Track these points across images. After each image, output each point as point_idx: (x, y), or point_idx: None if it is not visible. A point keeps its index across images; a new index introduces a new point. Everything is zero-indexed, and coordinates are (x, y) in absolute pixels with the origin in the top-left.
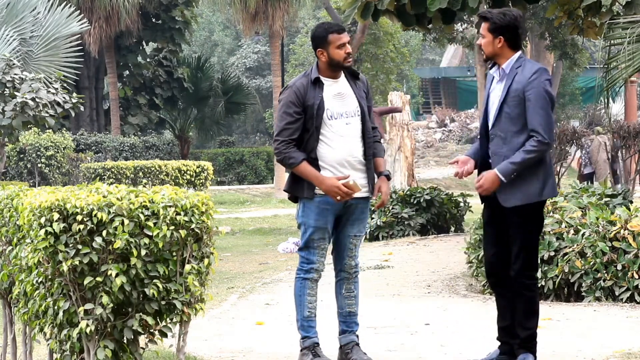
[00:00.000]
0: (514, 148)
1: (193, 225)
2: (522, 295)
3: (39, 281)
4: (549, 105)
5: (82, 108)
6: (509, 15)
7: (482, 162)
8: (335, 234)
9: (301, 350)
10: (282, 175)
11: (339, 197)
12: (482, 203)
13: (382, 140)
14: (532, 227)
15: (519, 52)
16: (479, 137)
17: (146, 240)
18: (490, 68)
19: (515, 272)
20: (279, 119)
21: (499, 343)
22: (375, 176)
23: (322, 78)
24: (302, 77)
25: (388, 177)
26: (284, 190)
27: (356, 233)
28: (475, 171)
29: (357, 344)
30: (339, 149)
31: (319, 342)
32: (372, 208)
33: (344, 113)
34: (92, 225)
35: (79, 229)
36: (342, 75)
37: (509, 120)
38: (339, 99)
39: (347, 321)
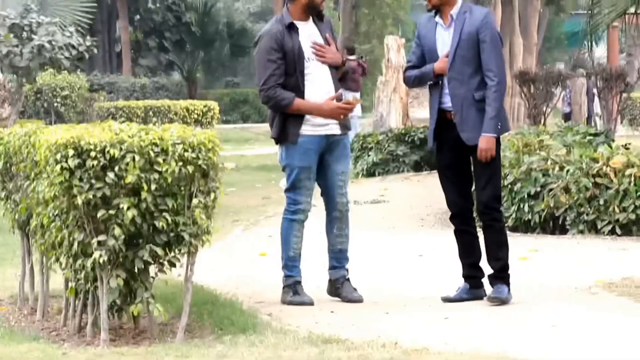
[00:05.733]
0: (471, 88)
1: (200, 162)
2: (491, 227)
3: (55, 214)
4: (500, 46)
5: (95, 51)
6: None
7: (439, 110)
8: (322, 174)
9: (283, 288)
10: None
11: (342, 116)
12: (436, 149)
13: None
14: (495, 160)
15: None
16: (430, 83)
17: (156, 176)
18: (435, 16)
19: (483, 205)
20: (262, 67)
21: (465, 280)
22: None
23: (295, 22)
24: (274, 23)
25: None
26: (271, 137)
27: (342, 169)
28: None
29: (348, 279)
30: (319, 90)
31: (301, 280)
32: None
33: None
34: (105, 161)
35: (93, 165)
36: (310, 18)
37: (464, 62)
38: (311, 40)
39: (338, 257)
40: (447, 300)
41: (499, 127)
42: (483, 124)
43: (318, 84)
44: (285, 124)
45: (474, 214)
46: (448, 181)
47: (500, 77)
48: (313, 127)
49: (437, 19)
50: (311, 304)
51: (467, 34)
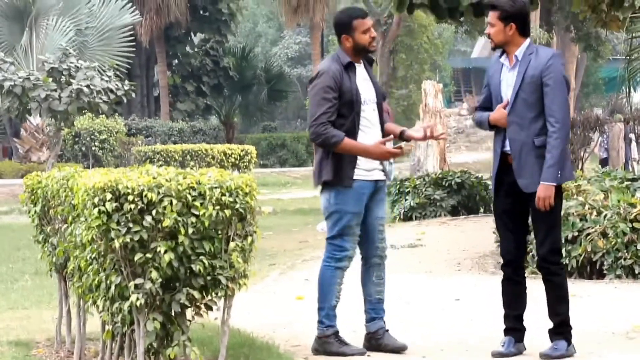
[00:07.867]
0: (532, 134)
1: (237, 206)
2: (550, 281)
3: (92, 257)
4: (565, 90)
5: (133, 95)
6: (518, 3)
7: (501, 153)
8: (364, 220)
9: (322, 338)
10: None
11: (391, 159)
12: (495, 193)
13: None
14: (554, 211)
15: (529, 39)
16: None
17: (193, 219)
18: (500, 56)
19: (542, 257)
20: (317, 104)
21: (507, 334)
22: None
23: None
24: (333, 62)
25: None
26: (325, 181)
27: (382, 214)
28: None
29: (387, 330)
30: (371, 135)
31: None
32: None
33: (371, 98)
34: (143, 205)
35: (130, 209)
36: (362, 60)
37: (525, 106)
38: (365, 83)
39: (376, 308)
40: (498, 355)
41: (559, 175)
42: (542, 171)
43: (373, 128)
44: (340, 166)
45: (525, 264)
46: (505, 228)
47: (562, 124)
48: (365, 172)
49: (503, 59)
50: (363, 353)
51: (530, 76)
